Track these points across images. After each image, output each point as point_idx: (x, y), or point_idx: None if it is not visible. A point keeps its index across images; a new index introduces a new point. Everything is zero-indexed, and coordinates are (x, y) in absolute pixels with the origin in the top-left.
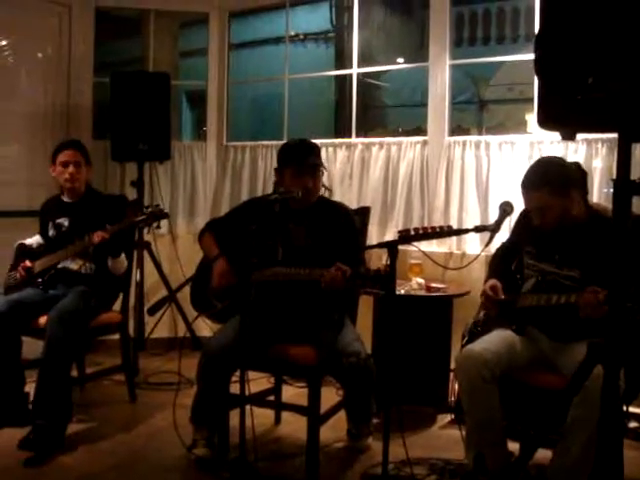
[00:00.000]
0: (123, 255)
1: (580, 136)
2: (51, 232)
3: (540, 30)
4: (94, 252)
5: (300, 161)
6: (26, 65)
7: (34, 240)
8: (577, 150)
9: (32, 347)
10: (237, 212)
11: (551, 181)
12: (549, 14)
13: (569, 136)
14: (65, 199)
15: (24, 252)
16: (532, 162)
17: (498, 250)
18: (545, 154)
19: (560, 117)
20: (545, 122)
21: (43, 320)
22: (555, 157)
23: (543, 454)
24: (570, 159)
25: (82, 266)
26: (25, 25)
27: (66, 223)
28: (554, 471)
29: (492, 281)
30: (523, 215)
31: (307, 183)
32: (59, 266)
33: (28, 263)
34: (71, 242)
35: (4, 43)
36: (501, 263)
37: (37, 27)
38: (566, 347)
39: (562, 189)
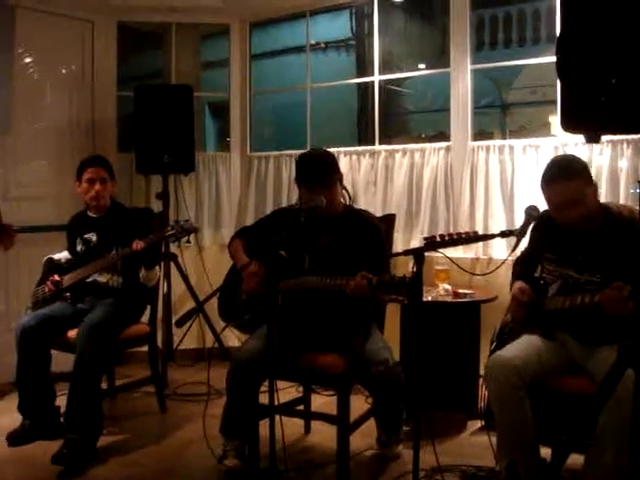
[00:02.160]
0: (157, 267)
1: (605, 137)
2: (79, 247)
3: (561, 33)
4: (122, 265)
5: (308, 181)
6: (51, 81)
7: (62, 255)
8: (602, 151)
9: (62, 360)
10: (266, 221)
11: (581, 171)
12: (569, 16)
13: (594, 139)
14: (91, 214)
15: (53, 267)
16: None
17: (518, 258)
18: None
19: (584, 120)
20: (569, 125)
21: (72, 334)
22: (567, 154)
23: (575, 459)
24: (595, 161)
25: (110, 279)
26: (49, 42)
27: (94, 238)
28: (588, 476)
29: (519, 283)
30: (540, 221)
31: (320, 199)
32: (88, 279)
33: (57, 277)
34: (100, 256)
35: (29, 60)
36: (524, 269)
37: (61, 43)
38: (596, 351)
39: (589, 179)
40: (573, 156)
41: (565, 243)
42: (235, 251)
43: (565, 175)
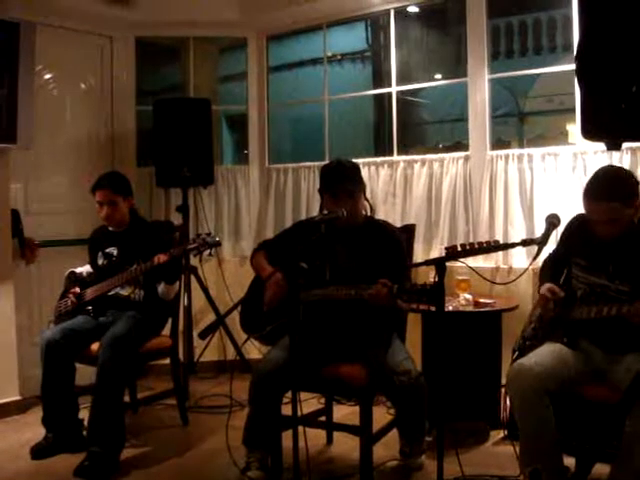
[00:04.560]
0: (177, 282)
1: (624, 144)
2: (101, 261)
3: (580, 40)
4: (144, 279)
5: (335, 188)
6: (70, 96)
7: (84, 269)
8: (621, 159)
9: (85, 373)
10: (287, 233)
11: (624, 193)
12: (588, 24)
13: (615, 146)
14: (112, 229)
15: (75, 280)
16: (595, 171)
17: (546, 261)
18: (589, 164)
19: (605, 127)
20: (589, 133)
21: (95, 347)
22: (617, 166)
23: (600, 469)
24: None
25: (132, 292)
26: (68, 58)
27: (115, 252)
28: None
29: (548, 284)
30: (573, 225)
31: (345, 207)
32: (110, 293)
33: (78, 290)
34: (122, 270)
35: (48, 76)
36: (550, 273)
37: (80, 59)
38: (619, 359)
39: (632, 200)
40: (620, 172)
41: (597, 250)
42: (258, 262)
43: (606, 196)
